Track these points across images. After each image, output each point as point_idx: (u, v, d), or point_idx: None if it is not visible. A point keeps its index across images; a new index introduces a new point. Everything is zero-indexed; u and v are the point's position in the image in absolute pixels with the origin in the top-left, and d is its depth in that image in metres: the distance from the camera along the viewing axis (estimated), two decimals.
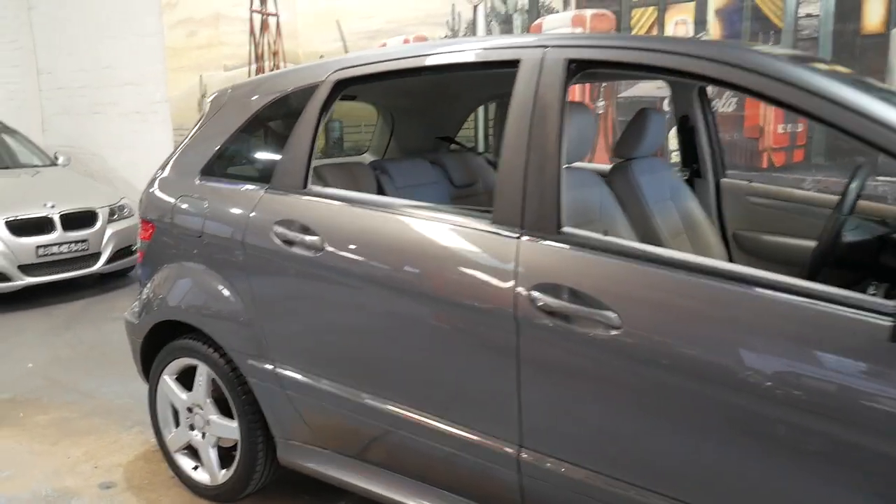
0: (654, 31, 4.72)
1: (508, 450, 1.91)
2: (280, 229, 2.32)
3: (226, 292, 2.48)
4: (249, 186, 2.49)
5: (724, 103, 4.51)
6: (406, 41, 5.76)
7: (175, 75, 6.10)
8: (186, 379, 2.76)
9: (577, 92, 4.92)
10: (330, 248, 2.19)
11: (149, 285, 2.78)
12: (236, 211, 2.46)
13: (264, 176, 2.51)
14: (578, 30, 4.94)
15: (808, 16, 4.16)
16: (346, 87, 2.40)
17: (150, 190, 2.83)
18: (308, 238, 2.24)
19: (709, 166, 3.01)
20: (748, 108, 4.45)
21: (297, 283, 2.29)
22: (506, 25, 5.34)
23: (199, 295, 2.56)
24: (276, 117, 2.60)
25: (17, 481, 2.91)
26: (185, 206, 2.64)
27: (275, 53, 6.16)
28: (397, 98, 3.64)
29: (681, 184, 2.86)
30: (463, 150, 3.80)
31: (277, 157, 2.48)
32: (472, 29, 5.47)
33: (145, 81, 6.58)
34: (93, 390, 3.86)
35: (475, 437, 1.96)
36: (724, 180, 3.04)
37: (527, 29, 5.21)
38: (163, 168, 2.85)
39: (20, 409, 3.64)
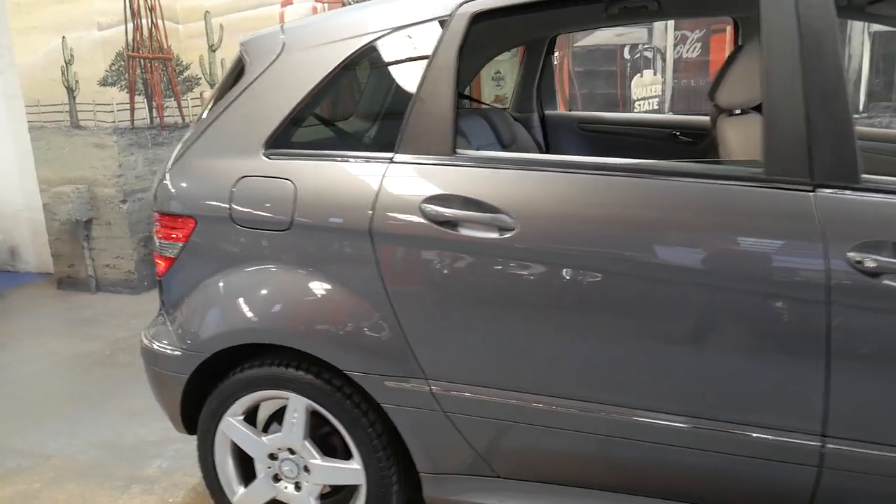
0: None
1: (809, 443, 1.59)
2: (432, 208, 1.77)
3: (343, 299, 1.88)
4: (359, 157, 1.89)
5: (689, 49, 4.43)
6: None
7: (24, 37, 4.88)
8: (250, 419, 2.13)
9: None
10: (522, 227, 1.69)
11: (193, 301, 2.07)
12: (352, 191, 1.85)
13: (377, 142, 1.93)
14: None
15: None
16: (483, 23, 1.88)
17: (176, 176, 2.10)
18: (482, 216, 1.73)
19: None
20: (713, 52, 4.41)
21: (468, 274, 1.76)
22: None
23: (298, 305, 1.93)
24: (375, 65, 1.99)
25: None
26: (254, 190, 1.96)
27: (152, 9, 5.14)
28: None
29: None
30: (491, 108, 3.35)
31: (395, 116, 1.91)
32: None
33: None
34: (39, 447, 2.95)
35: (762, 435, 1.62)
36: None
37: None
38: (186, 146, 2.12)
39: None
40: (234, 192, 1.97)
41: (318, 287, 1.90)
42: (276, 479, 2.12)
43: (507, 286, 1.74)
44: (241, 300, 1.99)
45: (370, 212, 1.82)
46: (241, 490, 2.17)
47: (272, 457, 2.10)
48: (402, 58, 1.95)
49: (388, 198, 1.82)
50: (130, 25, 4.95)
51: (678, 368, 1.63)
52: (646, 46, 4.43)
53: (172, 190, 2.09)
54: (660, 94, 4.45)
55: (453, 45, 1.82)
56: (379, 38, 1.93)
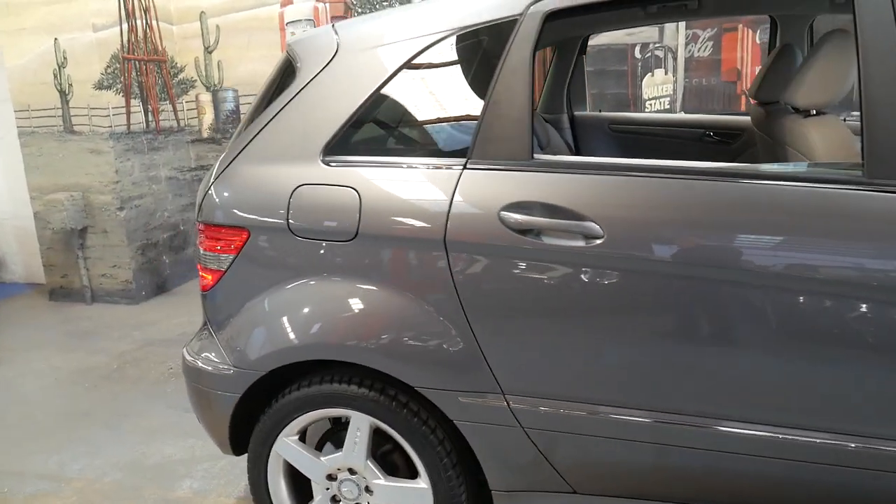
0: None
1: None
2: (512, 216, 1.69)
3: (415, 312, 1.79)
4: (429, 164, 1.81)
5: (700, 48, 4.41)
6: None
7: (13, 39, 4.68)
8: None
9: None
10: (611, 235, 1.62)
11: (246, 316, 1.96)
12: (423, 199, 1.77)
13: (447, 148, 1.84)
14: None
15: None
16: (556, 21, 1.80)
17: (224, 185, 1.99)
18: (567, 223, 1.65)
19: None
20: (725, 51, 4.39)
21: (550, 284, 1.68)
22: None
23: (364, 319, 1.83)
24: (439, 67, 1.89)
25: None
26: (314, 199, 1.86)
27: (146, 9, 4.98)
28: None
29: None
30: None
31: (464, 120, 1.82)
32: None
33: None
34: (59, 470, 2.81)
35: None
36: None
37: None
38: (234, 153, 2.01)
39: None
40: (291, 201, 1.87)
41: (387, 300, 1.81)
42: (335, 500, 2.02)
43: (594, 295, 1.66)
44: (302, 315, 1.89)
45: (444, 221, 1.74)
46: None
47: (330, 477, 2.00)
48: (470, 59, 1.86)
49: (464, 206, 1.73)
50: (125, 26, 4.78)
51: (782, 378, 1.57)
52: (657, 45, 4.40)
53: (221, 200, 1.98)
54: (671, 93, 4.42)
55: (527, 45, 1.74)
56: (443, 38, 1.84)
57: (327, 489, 2.01)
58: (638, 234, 1.62)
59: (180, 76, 5.34)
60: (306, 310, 1.89)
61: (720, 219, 1.59)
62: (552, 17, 1.75)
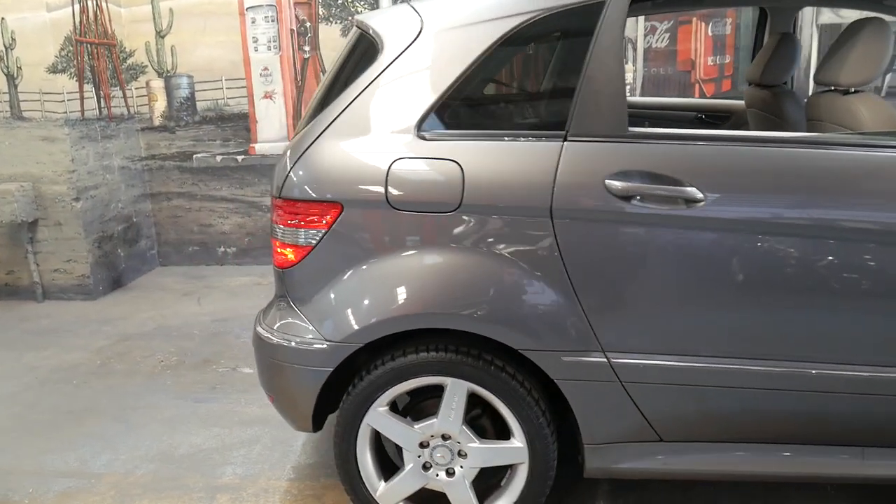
0: None
1: None
2: (617, 183, 1.81)
3: (519, 278, 1.88)
4: (529, 136, 1.89)
5: (658, 39, 4.69)
6: None
7: None
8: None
9: None
10: (710, 199, 1.78)
11: (342, 289, 1.97)
12: (528, 170, 1.85)
13: (544, 121, 1.94)
14: None
15: None
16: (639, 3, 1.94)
17: (311, 161, 1.98)
18: (669, 188, 1.79)
19: None
20: (680, 42, 4.69)
21: (651, 246, 1.82)
22: None
23: (469, 287, 1.90)
24: (530, 44, 1.98)
25: None
26: (413, 173, 1.91)
27: None
28: None
29: None
30: None
31: (556, 95, 1.93)
32: None
33: None
34: (82, 466, 2.68)
35: None
36: None
37: None
38: (318, 131, 2.01)
39: None
40: (389, 175, 1.91)
41: (491, 267, 1.89)
42: (425, 468, 2.08)
43: (693, 255, 1.82)
44: (405, 285, 1.93)
45: (550, 190, 1.84)
46: (383, 484, 2.11)
47: (421, 445, 2.06)
48: (561, 37, 1.97)
49: (569, 175, 1.84)
50: (77, 7, 4.53)
51: (877, 325, 1.79)
52: None
53: (308, 176, 1.98)
54: (631, 81, 4.68)
55: (617, 25, 1.87)
56: (535, 17, 1.92)
57: (419, 457, 2.07)
58: (736, 198, 1.79)
59: (129, 61, 5.11)
60: (410, 280, 1.93)
61: (808, 183, 1.78)
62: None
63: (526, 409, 1.97)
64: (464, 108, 1.99)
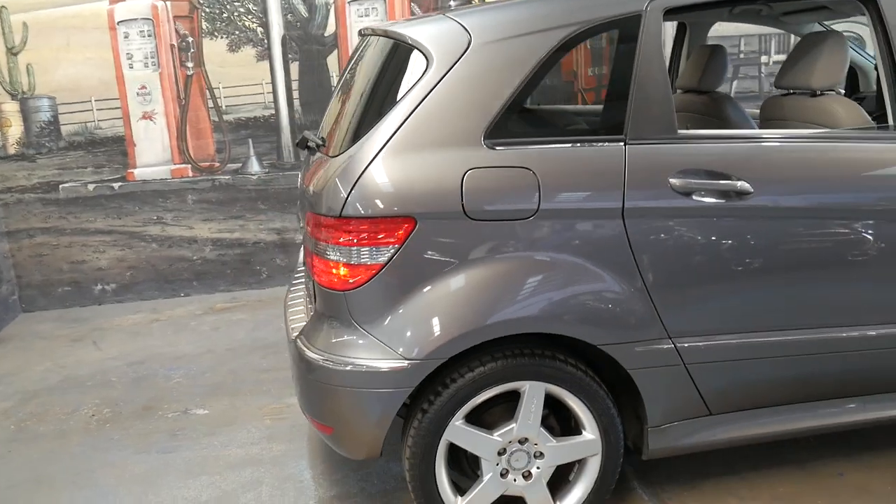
0: None
1: None
2: (680, 181, 1.97)
3: (595, 277, 1.97)
4: (594, 141, 2.00)
5: None
6: None
7: None
8: None
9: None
10: (758, 191, 2.00)
11: (421, 304, 1.92)
12: (598, 173, 1.95)
13: (602, 126, 2.04)
14: None
15: None
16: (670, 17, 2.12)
17: (374, 178, 1.91)
18: (727, 183, 1.99)
19: None
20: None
21: (712, 235, 2.01)
22: None
23: (552, 290, 1.95)
24: (562, 59, 2.06)
25: None
26: (488, 182, 1.92)
27: None
28: None
29: None
30: None
31: (609, 101, 2.04)
32: None
33: None
34: None
35: None
36: None
37: None
38: (376, 148, 1.94)
39: None
40: (464, 186, 1.92)
41: (569, 268, 1.97)
42: (503, 475, 2.09)
43: (747, 242, 2.03)
44: (488, 294, 1.94)
45: (622, 191, 1.95)
46: (460, 500, 2.09)
47: (499, 452, 2.07)
48: (604, 48, 2.09)
49: (637, 176, 1.97)
50: None
51: None
52: None
53: (374, 193, 1.92)
54: None
55: (656, 38, 2.04)
56: (581, 30, 2.00)
57: (497, 465, 2.08)
58: (782, 189, 2.03)
59: None
60: (492, 289, 1.95)
61: (846, 172, 2.08)
62: (670, 12, 2.07)
63: (598, 402, 2.07)
64: (525, 116, 2.05)
